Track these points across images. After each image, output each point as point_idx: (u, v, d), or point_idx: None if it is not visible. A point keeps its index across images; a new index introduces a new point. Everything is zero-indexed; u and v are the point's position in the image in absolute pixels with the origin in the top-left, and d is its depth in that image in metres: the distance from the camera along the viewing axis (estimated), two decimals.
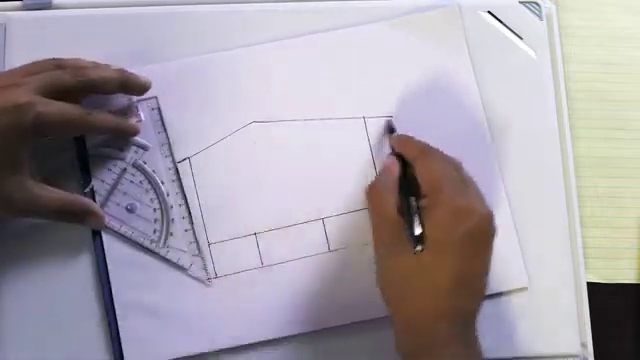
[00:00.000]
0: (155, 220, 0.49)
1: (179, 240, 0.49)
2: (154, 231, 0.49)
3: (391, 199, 0.43)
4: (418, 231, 0.41)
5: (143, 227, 0.49)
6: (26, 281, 0.48)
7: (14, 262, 0.48)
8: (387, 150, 0.49)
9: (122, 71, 0.48)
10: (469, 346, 0.41)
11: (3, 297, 0.48)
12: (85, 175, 0.49)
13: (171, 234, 0.49)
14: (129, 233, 0.49)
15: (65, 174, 0.49)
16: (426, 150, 0.45)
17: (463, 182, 0.44)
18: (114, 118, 0.48)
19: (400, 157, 0.46)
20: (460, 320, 0.41)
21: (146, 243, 0.49)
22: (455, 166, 0.45)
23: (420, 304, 0.41)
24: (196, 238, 0.49)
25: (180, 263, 0.49)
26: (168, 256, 0.49)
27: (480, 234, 0.42)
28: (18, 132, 0.42)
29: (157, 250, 0.49)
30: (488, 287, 0.43)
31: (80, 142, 0.49)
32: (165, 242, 0.49)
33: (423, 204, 0.42)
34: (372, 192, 0.45)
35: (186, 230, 0.49)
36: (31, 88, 0.43)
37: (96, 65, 0.47)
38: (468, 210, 0.41)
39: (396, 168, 0.45)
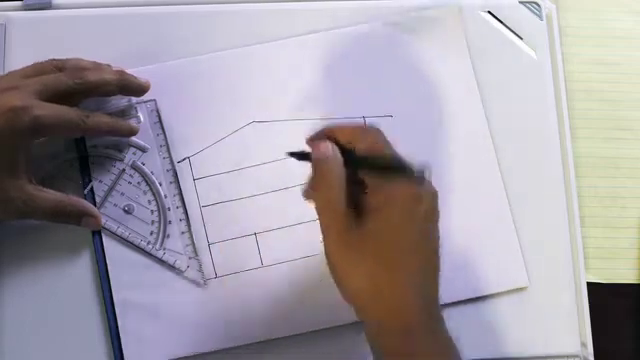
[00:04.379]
0: (152, 222, 0.49)
1: (176, 242, 0.49)
2: (151, 233, 0.49)
3: (341, 192, 0.39)
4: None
5: (140, 229, 0.49)
6: (26, 281, 0.48)
7: (14, 262, 0.48)
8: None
9: (121, 73, 0.48)
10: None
11: (3, 297, 0.48)
12: (85, 176, 0.49)
13: (168, 236, 0.49)
14: (125, 234, 0.49)
15: (65, 174, 0.49)
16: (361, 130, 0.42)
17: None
18: (111, 120, 0.48)
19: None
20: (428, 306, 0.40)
21: (142, 245, 0.49)
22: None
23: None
24: (193, 241, 0.49)
25: (176, 265, 0.49)
26: (164, 258, 0.48)
27: (432, 213, 0.41)
28: (15, 135, 0.43)
29: (153, 252, 0.48)
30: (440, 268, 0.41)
31: (80, 143, 0.49)
32: (162, 244, 0.49)
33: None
34: (320, 187, 0.41)
35: (183, 232, 0.49)
36: (29, 91, 0.43)
37: (96, 66, 0.47)
38: (419, 194, 0.40)
39: (336, 152, 0.41)
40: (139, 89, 0.49)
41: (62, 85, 0.45)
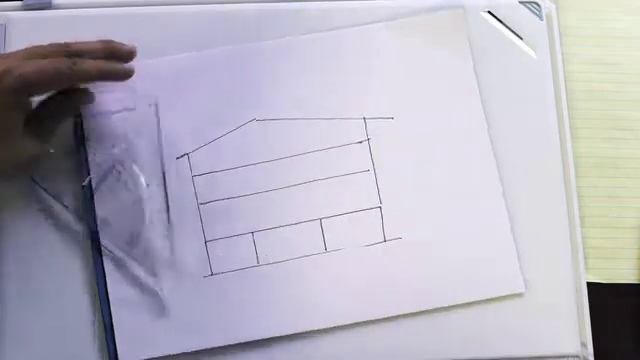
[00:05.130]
0: (131, 234, 0.49)
1: (150, 254, 0.48)
2: (126, 242, 0.49)
3: None
4: None
5: (117, 234, 0.48)
6: (23, 277, 0.48)
7: (11, 259, 0.48)
8: None
9: (108, 41, 0.47)
10: None
11: (3, 297, 0.48)
12: (84, 168, 0.49)
13: (145, 250, 0.49)
14: (103, 242, 0.48)
15: (64, 172, 0.49)
16: None
17: None
18: (102, 62, 0.47)
19: None
20: None
21: (115, 251, 0.48)
22: None
23: None
24: (169, 256, 0.49)
25: (143, 280, 0.48)
26: (133, 269, 0.48)
27: None
28: (4, 99, 0.43)
29: (124, 261, 0.48)
30: None
31: (79, 139, 0.50)
32: (135, 255, 0.49)
33: None
34: None
35: (162, 247, 0.49)
36: (15, 56, 0.44)
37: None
38: None
39: None
40: (126, 55, 0.48)
41: (49, 52, 0.45)
